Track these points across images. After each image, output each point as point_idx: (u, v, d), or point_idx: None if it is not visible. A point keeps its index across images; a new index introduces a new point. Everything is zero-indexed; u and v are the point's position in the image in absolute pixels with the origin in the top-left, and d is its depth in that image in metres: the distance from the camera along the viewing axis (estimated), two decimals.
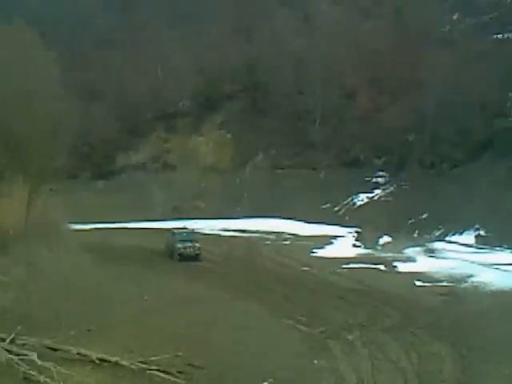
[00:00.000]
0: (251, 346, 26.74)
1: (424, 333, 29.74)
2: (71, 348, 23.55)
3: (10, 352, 22.51)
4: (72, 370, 22.10)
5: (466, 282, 39.86)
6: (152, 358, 22.89)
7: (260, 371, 23.91)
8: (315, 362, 25.60)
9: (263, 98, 77.10)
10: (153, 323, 28.96)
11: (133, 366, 22.67)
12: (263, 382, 23.00)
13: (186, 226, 52.75)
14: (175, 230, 48.31)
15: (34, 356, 22.24)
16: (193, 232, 49.79)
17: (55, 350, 23.44)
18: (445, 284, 39.59)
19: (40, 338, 23.78)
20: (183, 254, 45.25)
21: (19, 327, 23.72)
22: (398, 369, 25.39)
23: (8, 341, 23.15)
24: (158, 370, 22.49)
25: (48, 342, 23.63)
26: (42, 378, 21.11)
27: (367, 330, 29.78)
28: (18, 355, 22.33)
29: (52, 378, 21.06)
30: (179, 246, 45.52)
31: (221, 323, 29.68)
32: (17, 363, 21.88)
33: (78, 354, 23.36)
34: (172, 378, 22.32)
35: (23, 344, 23.28)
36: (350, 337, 28.88)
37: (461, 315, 32.65)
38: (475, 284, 39.29)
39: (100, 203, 68.44)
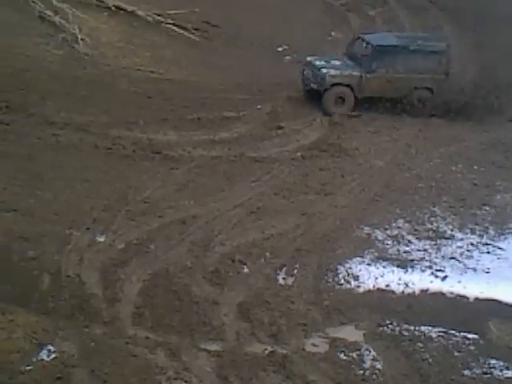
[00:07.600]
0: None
1: None
2: None
3: None
4: (88, 14, 21.97)
5: None
6: (168, 12, 22.63)
7: (277, 37, 23.71)
8: (333, 33, 25.38)
9: None
10: None
11: (149, 18, 22.52)
12: (277, 47, 23.01)
13: None
14: None
15: None
16: None
17: None
18: None
19: None
20: None
21: None
22: None
23: None
24: (173, 24, 22.38)
25: None
26: (57, 19, 21.04)
27: (389, 7, 28.97)
28: None
29: (67, 20, 20.96)
30: None
31: None
32: (33, 1, 21.62)
33: None
34: (187, 34, 22.25)
35: None
36: (371, 12, 28.24)
37: None
38: None
39: None
